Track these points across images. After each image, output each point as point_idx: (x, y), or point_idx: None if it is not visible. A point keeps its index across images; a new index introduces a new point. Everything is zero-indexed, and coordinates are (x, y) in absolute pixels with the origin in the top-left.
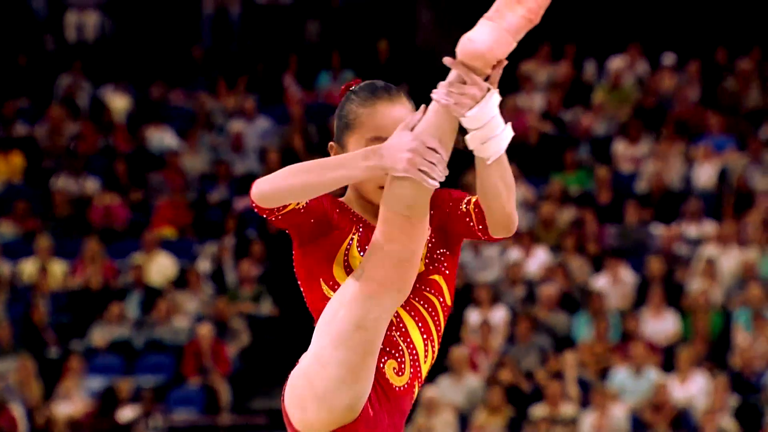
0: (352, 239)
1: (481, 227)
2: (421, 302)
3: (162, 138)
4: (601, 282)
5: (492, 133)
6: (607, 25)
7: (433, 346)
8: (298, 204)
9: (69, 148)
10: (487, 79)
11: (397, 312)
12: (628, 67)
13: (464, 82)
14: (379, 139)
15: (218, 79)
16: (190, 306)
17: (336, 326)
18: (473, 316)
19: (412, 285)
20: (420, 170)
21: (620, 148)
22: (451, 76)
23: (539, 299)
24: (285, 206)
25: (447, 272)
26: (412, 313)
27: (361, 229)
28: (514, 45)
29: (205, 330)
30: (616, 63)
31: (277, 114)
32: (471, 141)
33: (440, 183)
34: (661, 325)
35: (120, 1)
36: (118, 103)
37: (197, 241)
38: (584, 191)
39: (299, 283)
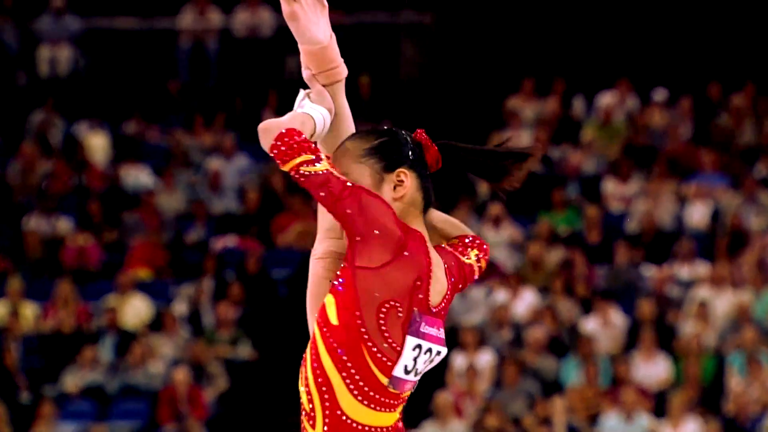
0: None
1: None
2: (312, 329)
3: (137, 176)
4: (590, 325)
5: None
6: (596, 60)
7: (305, 372)
8: None
9: (41, 186)
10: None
11: None
12: (617, 104)
13: None
14: None
15: (195, 115)
16: (166, 350)
17: None
18: (458, 360)
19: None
20: None
21: (610, 186)
22: None
23: (527, 342)
24: None
25: (339, 288)
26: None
27: None
28: (301, 46)
29: (182, 374)
30: (605, 99)
31: (257, 151)
32: None
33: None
34: (652, 369)
35: (94, 35)
36: (92, 140)
37: (173, 283)
38: (573, 231)
39: None
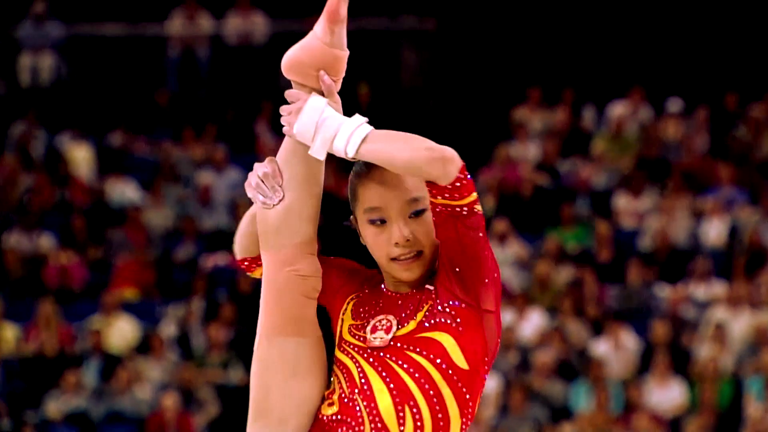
0: (348, 304)
1: (434, 190)
2: (400, 362)
3: (123, 191)
4: (601, 348)
5: (330, 134)
6: (608, 68)
7: (416, 414)
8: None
9: (22, 201)
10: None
11: (364, 372)
12: (630, 114)
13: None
14: (376, 210)
15: (185, 126)
16: (154, 374)
17: None
18: None
19: (293, 327)
20: (255, 190)
21: (622, 201)
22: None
23: (534, 366)
24: (253, 262)
25: (460, 329)
26: (384, 374)
27: (361, 295)
28: (331, 51)
29: (170, 400)
30: (617, 109)
31: (249, 164)
32: (315, 152)
33: None
34: (666, 394)
35: (77, 42)
36: (76, 153)
37: (161, 303)
38: (583, 249)
39: None
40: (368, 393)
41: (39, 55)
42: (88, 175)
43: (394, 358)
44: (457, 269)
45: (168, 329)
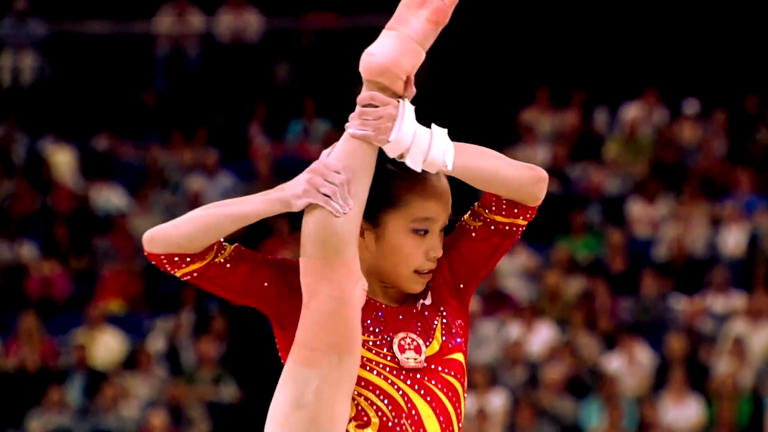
0: None
1: (516, 210)
2: (439, 386)
3: (109, 197)
4: (614, 363)
5: (425, 144)
6: (621, 68)
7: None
8: (217, 258)
9: (2, 208)
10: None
11: (408, 396)
12: (644, 117)
13: (375, 106)
14: (427, 220)
15: (174, 129)
16: (141, 391)
17: (276, 409)
18: (468, 403)
19: (359, 342)
20: (322, 193)
21: (636, 209)
22: (361, 102)
23: (543, 383)
24: (188, 257)
25: (463, 348)
26: (429, 398)
27: None
28: (423, 55)
29: (158, 418)
30: (630, 111)
31: (242, 169)
32: (414, 163)
33: None
34: (682, 412)
35: (61, 41)
36: (59, 157)
37: (149, 316)
38: (595, 258)
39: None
40: (416, 419)
41: (20, 54)
42: (71, 181)
43: (433, 381)
44: (462, 285)
45: (156, 343)
